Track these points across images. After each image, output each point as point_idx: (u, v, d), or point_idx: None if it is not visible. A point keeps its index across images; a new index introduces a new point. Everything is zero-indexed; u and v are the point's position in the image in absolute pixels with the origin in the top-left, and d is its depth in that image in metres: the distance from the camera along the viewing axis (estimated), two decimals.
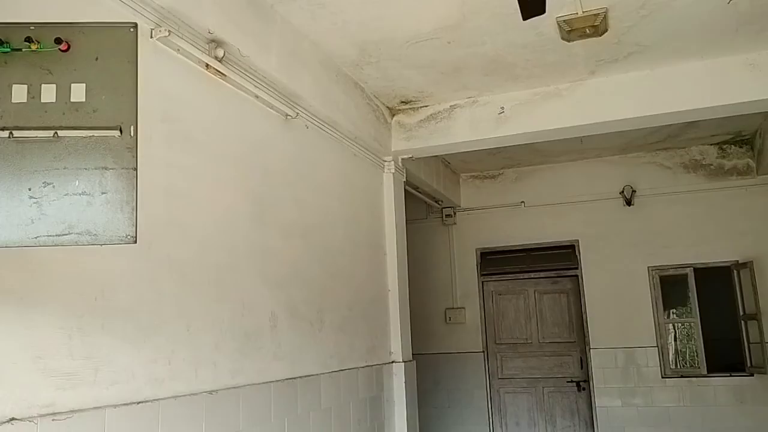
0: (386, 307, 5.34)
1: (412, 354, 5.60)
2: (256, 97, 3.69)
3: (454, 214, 7.97)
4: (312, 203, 4.27)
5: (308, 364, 3.94)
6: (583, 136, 6.26)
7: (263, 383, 3.43)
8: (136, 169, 1.97)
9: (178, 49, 3.03)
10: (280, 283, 3.73)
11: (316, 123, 4.38)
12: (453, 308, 7.82)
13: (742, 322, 6.96)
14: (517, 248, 7.81)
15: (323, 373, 4.08)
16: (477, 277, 7.88)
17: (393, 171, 5.58)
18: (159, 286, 2.77)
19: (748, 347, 6.87)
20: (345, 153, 4.88)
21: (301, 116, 4.18)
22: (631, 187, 7.38)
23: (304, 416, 3.79)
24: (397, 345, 5.31)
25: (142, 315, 2.66)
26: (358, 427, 4.50)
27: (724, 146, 7.22)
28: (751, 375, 6.76)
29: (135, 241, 1.94)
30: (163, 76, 2.96)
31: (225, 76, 3.36)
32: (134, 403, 2.54)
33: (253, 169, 3.63)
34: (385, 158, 5.56)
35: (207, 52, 3.20)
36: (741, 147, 7.17)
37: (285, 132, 4.02)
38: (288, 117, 4.01)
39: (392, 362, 5.25)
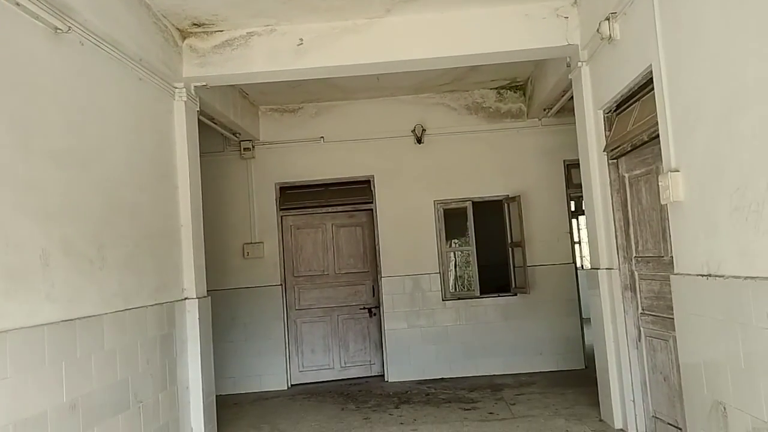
0: (178, 242, 5.11)
1: (207, 290, 5.48)
2: (17, 4, 3.19)
3: (253, 147, 7.80)
4: (91, 130, 3.87)
5: (88, 305, 3.66)
6: (379, 74, 6.46)
7: (34, 326, 3.12)
8: None
9: None
10: (51, 217, 3.36)
11: (92, 40, 3.92)
12: (251, 243, 7.76)
13: (510, 249, 7.89)
14: (316, 183, 7.94)
15: (106, 314, 3.82)
16: (276, 212, 7.88)
17: (185, 99, 5.25)
18: None
19: (514, 271, 7.83)
20: (129, 76, 4.46)
21: (75, 31, 3.71)
22: (422, 126, 7.82)
23: (85, 359, 3.54)
24: (190, 281, 5.14)
25: None
26: (147, 366, 4.33)
27: (502, 91, 7.93)
28: (515, 295, 7.75)
29: None
30: None
31: None
32: None
33: (15, 89, 3.16)
34: (176, 85, 5.20)
35: None
36: (515, 92, 7.93)
37: (55, 48, 3.55)
38: (58, 31, 3.54)
39: (185, 299, 5.09)
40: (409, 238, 7.77)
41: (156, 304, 4.57)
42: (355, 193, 7.97)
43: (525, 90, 7.86)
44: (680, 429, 4.20)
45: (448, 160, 7.82)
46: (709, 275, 3.31)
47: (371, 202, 7.90)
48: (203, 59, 5.31)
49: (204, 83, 5.45)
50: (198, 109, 5.58)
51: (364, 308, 7.96)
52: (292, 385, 7.73)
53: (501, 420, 5.56)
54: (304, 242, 8.01)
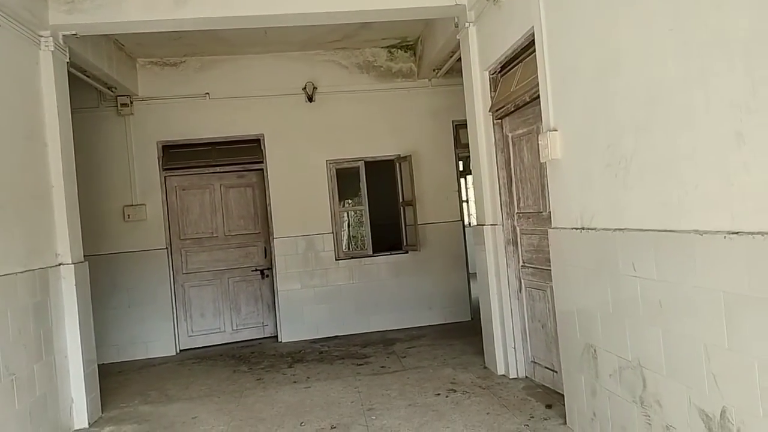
0: (50, 205, 4.74)
1: (85, 255, 5.16)
2: None
3: (131, 103, 7.33)
4: None
5: None
6: (267, 28, 6.23)
7: None
8: None
9: None
10: None
11: None
12: (132, 205, 7.36)
13: (402, 208, 8.03)
14: (202, 141, 7.63)
15: None
16: (159, 172, 7.50)
17: (52, 49, 4.80)
18: None
19: (405, 229, 8.00)
20: None
21: None
22: (313, 84, 7.68)
23: None
24: (64, 246, 4.81)
25: None
26: (19, 336, 4.03)
27: (393, 50, 7.93)
28: (406, 252, 7.93)
29: None
30: None
31: None
32: None
33: None
34: (42, 33, 4.75)
35: None
36: (406, 52, 7.96)
37: None
38: None
39: (60, 265, 4.76)
40: (301, 198, 7.69)
41: (27, 270, 4.24)
42: (245, 153, 7.74)
43: (415, 50, 7.91)
44: (555, 372, 4.53)
45: (340, 119, 7.76)
46: (583, 228, 3.53)
47: (262, 162, 7.71)
48: (71, 6, 4.86)
49: (73, 32, 5.01)
50: (68, 60, 5.14)
51: (256, 270, 7.84)
52: (181, 351, 7.53)
53: (392, 372, 5.73)
54: (191, 204, 7.72)
